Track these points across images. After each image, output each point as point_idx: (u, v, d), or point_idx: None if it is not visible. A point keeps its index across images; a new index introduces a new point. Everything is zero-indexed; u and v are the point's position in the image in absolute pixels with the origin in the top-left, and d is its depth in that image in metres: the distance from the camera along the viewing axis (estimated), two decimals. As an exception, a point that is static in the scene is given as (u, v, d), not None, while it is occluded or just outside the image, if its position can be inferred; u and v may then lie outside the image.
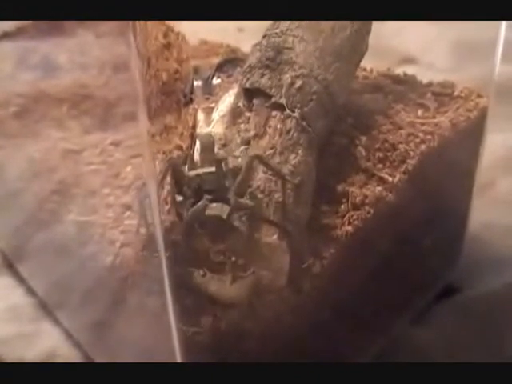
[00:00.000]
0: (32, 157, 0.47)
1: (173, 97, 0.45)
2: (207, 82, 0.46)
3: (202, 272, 0.35)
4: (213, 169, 0.36)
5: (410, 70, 0.50)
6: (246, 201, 0.35)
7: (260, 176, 0.37)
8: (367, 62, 0.49)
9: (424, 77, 0.49)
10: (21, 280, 0.52)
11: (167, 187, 0.37)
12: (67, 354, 0.47)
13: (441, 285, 0.50)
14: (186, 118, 0.43)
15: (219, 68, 0.47)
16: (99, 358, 0.46)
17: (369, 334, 0.45)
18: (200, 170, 0.36)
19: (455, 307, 0.49)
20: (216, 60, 0.48)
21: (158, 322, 0.37)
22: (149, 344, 0.40)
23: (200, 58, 0.51)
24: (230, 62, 0.48)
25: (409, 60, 0.58)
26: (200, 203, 0.34)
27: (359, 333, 0.44)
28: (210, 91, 0.46)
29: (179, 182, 0.36)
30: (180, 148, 0.41)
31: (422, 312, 0.48)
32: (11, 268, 0.53)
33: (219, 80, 0.46)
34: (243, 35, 0.60)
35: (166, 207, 0.36)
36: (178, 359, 0.35)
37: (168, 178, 0.36)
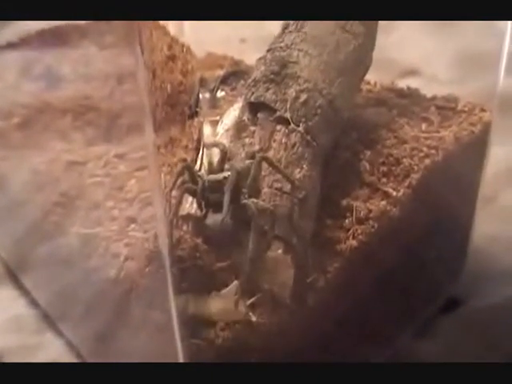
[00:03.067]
0: (35, 168, 0.47)
1: (177, 109, 0.46)
2: (211, 95, 0.46)
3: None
4: (229, 173, 0.36)
5: (412, 82, 0.50)
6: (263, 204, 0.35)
7: (265, 190, 0.37)
8: (370, 75, 0.49)
9: (427, 90, 0.49)
10: (24, 291, 0.52)
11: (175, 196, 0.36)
12: (69, 366, 0.47)
13: (444, 298, 0.50)
14: (191, 130, 0.43)
15: (223, 80, 0.47)
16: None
17: (372, 347, 0.45)
18: (220, 175, 0.36)
19: (459, 320, 0.49)
20: (220, 72, 0.48)
21: (161, 336, 0.37)
22: (152, 358, 0.40)
23: (204, 70, 0.52)
24: (234, 74, 0.48)
25: (411, 72, 0.58)
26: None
27: (362, 346, 0.44)
28: (214, 104, 0.46)
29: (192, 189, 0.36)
30: (184, 161, 0.41)
31: (425, 325, 0.48)
32: (14, 279, 0.53)
33: (223, 93, 0.46)
34: (245, 46, 0.61)
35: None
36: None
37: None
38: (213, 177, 0.36)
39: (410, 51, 0.59)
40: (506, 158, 0.60)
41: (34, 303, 0.51)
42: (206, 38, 0.53)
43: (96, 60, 0.47)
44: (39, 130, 0.48)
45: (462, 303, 0.50)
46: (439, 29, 0.53)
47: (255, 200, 0.36)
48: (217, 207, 0.35)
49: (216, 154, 0.38)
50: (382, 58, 0.54)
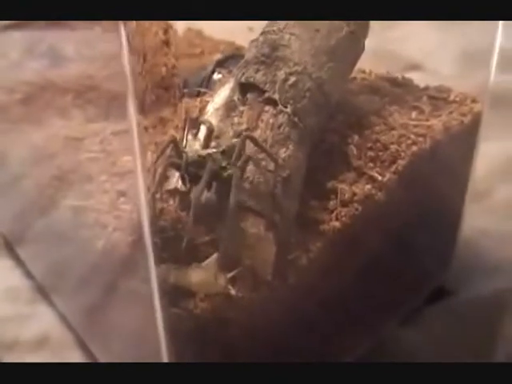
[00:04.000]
0: (34, 143, 0.48)
1: (171, 91, 0.47)
2: (206, 78, 0.47)
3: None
4: (220, 149, 0.37)
5: (414, 76, 0.51)
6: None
7: (250, 168, 0.38)
8: (373, 67, 0.50)
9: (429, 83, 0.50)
10: (20, 263, 0.53)
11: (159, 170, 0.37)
12: (60, 336, 0.48)
13: (431, 287, 0.50)
14: (181, 111, 0.44)
15: (220, 64, 0.48)
16: (91, 341, 0.47)
17: (355, 332, 0.45)
18: (204, 152, 0.37)
19: (446, 310, 0.50)
20: (218, 56, 0.49)
21: (146, 306, 0.38)
22: (138, 328, 0.40)
23: (203, 55, 0.53)
24: (233, 58, 0.49)
25: (414, 67, 0.58)
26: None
27: (345, 330, 0.44)
28: (210, 86, 0.47)
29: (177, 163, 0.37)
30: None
31: (411, 313, 0.49)
32: (11, 251, 0.55)
33: (220, 75, 0.47)
34: (253, 34, 0.62)
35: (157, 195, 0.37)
36: (163, 342, 0.36)
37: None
38: (197, 153, 0.37)
39: (414, 46, 0.60)
40: (499, 154, 0.60)
41: (29, 275, 0.52)
42: (214, 26, 0.54)
43: (99, 41, 0.48)
44: (40, 107, 0.50)
45: (450, 294, 0.51)
46: (444, 24, 0.53)
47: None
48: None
49: (203, 131, 0.39)
50: (385, 52, 0.55)
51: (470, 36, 0.51)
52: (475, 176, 0.49)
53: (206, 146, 0.38)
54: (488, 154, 0.49)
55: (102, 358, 0.46)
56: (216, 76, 0.47)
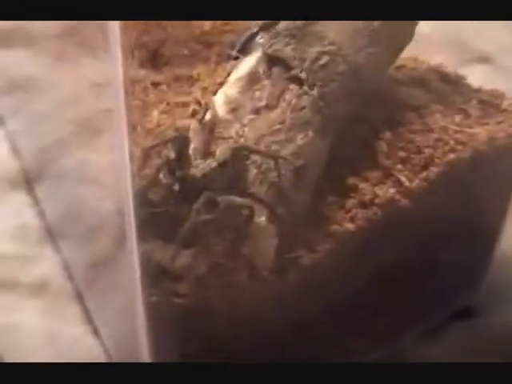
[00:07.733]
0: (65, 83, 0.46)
1: (214, 48, 0.44)
2: (247, 41, 0.44)
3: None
4: (215, 164, 0.34)
5: (481, 69, 0.50)
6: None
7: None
8: (437, 55, 0.47)
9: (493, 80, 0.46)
10: (36, 201, 0.53)
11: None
12: (60, 286, 0.48)
13: (457, 306, 0.47)
14: (218, 73, 0.42)
15: (265, 28, 0.45)
16: (89, 296, 0.46)
17: (358, 346, 0.42)
18: (199, 172, 0.34)
19: (469, 331, 0.47)
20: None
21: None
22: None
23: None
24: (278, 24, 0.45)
25: (484, 59, 0.54)
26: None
27: (347, 340, 0.42)
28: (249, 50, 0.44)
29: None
30: (198, 103, 0.40)
31: (432, 331, 0.46)
32: (30, 187, 0.54)
33: (262, 40, 0.44)
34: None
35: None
36: (143, 330, 0.35)
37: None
38: (191, 173, 0.34)
39: (488, 38, 0.56)
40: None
41: (42, 214, 0.52)
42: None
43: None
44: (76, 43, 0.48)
45: (477, 314, 0.48)
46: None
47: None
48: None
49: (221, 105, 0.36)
50: (455, 40, 0.51)
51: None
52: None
53: (207, 141, 0.35)
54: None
55: (96, 316, 0.45)
56: (259, 40, 0.44)
